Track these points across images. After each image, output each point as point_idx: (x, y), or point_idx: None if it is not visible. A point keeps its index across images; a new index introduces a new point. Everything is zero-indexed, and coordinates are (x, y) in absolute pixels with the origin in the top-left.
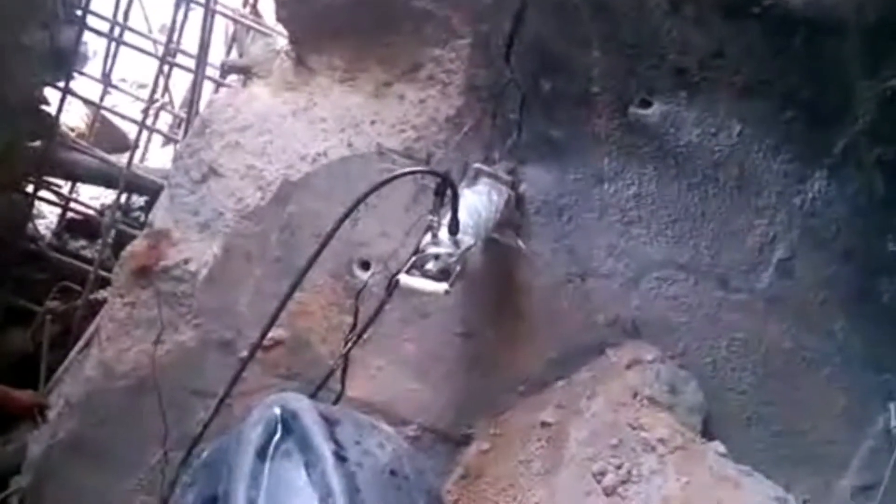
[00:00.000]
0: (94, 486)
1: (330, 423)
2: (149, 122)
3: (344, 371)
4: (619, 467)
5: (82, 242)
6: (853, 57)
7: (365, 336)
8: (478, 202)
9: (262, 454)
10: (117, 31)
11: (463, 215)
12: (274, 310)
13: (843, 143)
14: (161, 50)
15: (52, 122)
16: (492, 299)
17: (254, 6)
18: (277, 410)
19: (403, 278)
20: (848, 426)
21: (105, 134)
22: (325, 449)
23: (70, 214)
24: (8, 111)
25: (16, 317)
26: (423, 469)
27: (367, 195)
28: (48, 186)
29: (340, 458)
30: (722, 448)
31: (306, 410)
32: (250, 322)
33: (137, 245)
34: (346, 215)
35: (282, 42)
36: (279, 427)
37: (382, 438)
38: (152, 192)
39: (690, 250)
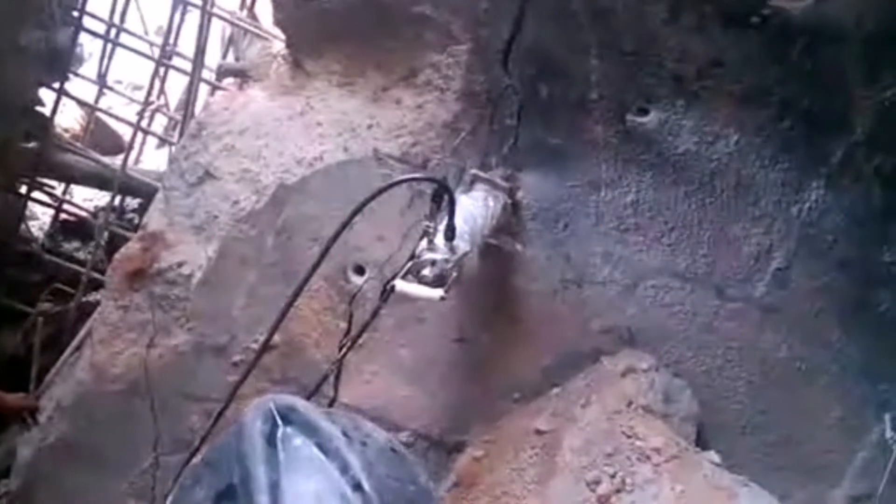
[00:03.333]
0: (85, 490)
1: (327, 413)
2: (144, 124)
3: (337, 376)
4: (613, 476)
5: (76, 244)
6: (852, 66)
7: (359, 341)
8: (474, 208)
9: (270, 441)
10: (113, 32)
11: (459, 221)
12: (273, 321)
13: (842, 153)
14: (157, 52)
15: (47, 123)
16: (487, 306)
17: (251, 9)
18: (272, 405)
19: (399, 284)
20: (843, 436)
21: (100, 136)
22: (335, 430)
23: (63, 216)
24: (2, 112)
25: (8, 318)
26: (408, 452)
27: (364, 204)
28: (42, 188)
29: (348, 437)
30: (717, 457)
31: (302, 404)
32: (244, 326)
33: (131, 247)
34: (344, 226)
35: (279, 46)
36: (278, 419)
37: (374, 427)
38: (147, 194)
39: (687, 258)
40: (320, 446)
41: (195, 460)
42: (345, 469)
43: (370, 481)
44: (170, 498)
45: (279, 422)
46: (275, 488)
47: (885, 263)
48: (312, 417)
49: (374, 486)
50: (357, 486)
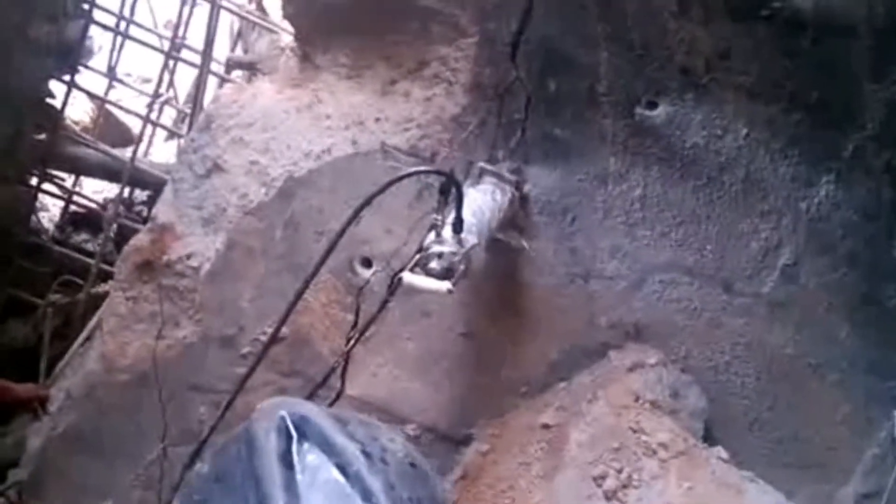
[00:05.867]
0: (93, 480)
1: (341, 422)
2: (153, 116)
3: (344, 369)
4: (619, 471)
5: (85, 236)
6: (862, 60)
7: (366, 334)
8: (482, 201)
9: (286, 462)
10: (123, 25)
11: (467, 214)
12: (282, 313)
13: (852, 148)
14: (166, 45)
15: (57, 115)
16: (494, 299)
17: (259, 2)
18: (284, 414)
19: (407, 276)
20: (852, 433)
21: (109, 128)
22: (354, 449)
23: (73, 208)
24: (13, 104)
25: (17, 309)
26: (424, 458)
27: (372, 197)
28: (52, 179)
29: (367, 455)
30: (724, 454)
31: (315, 412)
32: (252, 318)
33: (140, 239)
34: (352, 219)
35: (287, 38)
36: (293, 431)
37: (390, 433)
38: (155, 186)
39: (695, 253)
40: (340, 468)
41: (202, 468)
42: (367, 495)
43: None
44: None
45: (294, 434)
46: None
47: (895, 259)
48: (328, 432)
49: None
50: None
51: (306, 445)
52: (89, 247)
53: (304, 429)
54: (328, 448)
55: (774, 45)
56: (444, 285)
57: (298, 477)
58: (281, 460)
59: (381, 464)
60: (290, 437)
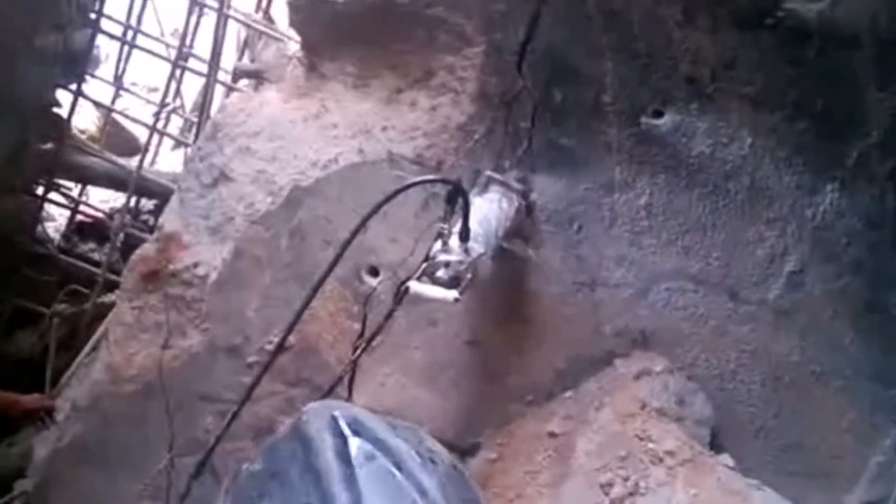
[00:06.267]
0: (100, 491)
1: (390, 425)
2: (160, 125)
3: (352, 378)
4: (626, 479)
5: (91, 245)
6: (866, 69)
7: (373, 343)
8: (488, 210)
9: (344, 458)
10: (130, 34)
11: (473, 223)
12: (288, 322)
13: (856, 156)
14: (173, 54)
15: (64, 124)
16: (500, 308)
17: (266, 11)
18: (336, 414)
19: (414, 285)
20: (857, 440)
21: (116, 137)
22: (409, 449)
23: (79, 217)
24: (19, 113)
25: (24, 319)
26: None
27: (379, 206)
28: (58, 189)
29: (420, 455)
30: (730, 461)
31: (364, 414)
32: (258, 327)
33: (147, 249)
34: (359, 228)
35: (294, 47)
36: (346, 430)
37: (431, 439)
38: (162, 195)
39: (700, 261)
40: (396, 465)
41: (252, 466)
42: (423, 492)
43: None
44: None
45: (347, 433)
46: None
47: None
48: (381, 433)
49: None
50: None
51: (361, 443)
52: (95, 256)
53: (357, 428)
54: (382, 447)
55: (779, 54)
56: (451, 294)
57: (357, 472)
58: (338, 457)
59: (431, 464)
60: (344, 435)
